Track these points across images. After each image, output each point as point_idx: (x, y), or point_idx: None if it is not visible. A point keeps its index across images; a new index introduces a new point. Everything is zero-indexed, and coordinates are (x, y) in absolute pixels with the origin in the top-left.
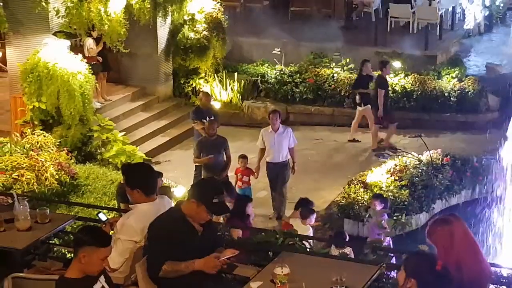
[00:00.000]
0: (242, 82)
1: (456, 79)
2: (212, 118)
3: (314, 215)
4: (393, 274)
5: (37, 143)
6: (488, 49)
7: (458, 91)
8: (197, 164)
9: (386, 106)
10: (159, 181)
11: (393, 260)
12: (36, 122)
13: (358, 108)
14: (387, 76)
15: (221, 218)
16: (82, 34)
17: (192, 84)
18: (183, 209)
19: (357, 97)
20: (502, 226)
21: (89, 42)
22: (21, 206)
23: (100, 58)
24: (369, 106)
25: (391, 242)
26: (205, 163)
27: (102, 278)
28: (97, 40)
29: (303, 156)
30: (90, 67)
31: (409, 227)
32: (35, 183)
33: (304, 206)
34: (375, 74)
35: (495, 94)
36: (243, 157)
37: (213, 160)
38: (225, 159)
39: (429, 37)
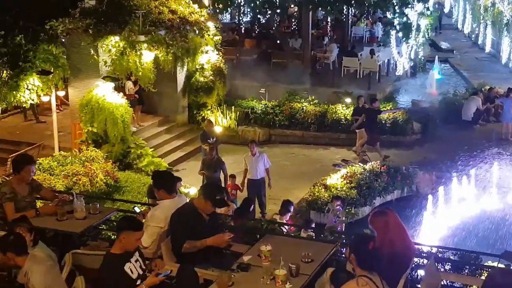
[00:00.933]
0: (237, 112)
1: (390, 111)
2: (215, 139)
3: (289, 214)
4: (342, 250)
5: (90, 156)
6: (413, 89)
7: (392, 119)
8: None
9: (374, 130)
10: (179, 184)
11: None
12: (89, 141)
13: (357, 130)
14: (376, 108)
15: (223, 210)
16: (123, 78)
17: (201, 114)
18: (195, 203)
19: (355, 123)
20: (423, 215)
21: (129, 84)
22: (79, 202)
23: (136, 95)
24: (363, 129)
25: (343, 228)
26: (206, 176)
27: (136, 253)
28: (134, 82)
29: (281, 166)
30: (129, 101)
31: (356, 216)
32: (88, 185)
33: (283, 207)
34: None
35: (418, 121)
36: (233, 176)
37: (203, 174)
38: (222, 175)
39: (371, 81)
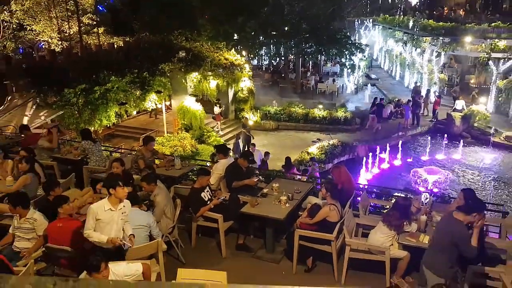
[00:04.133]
0: (260, 113)
1: (343, 112)
2: (248, 127)
3: (293, 169)
4: (318, 187)
5: (183, 136)
6: (356, 101)
7: (344, 117)
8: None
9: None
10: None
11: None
12: (182, 128)
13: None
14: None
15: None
16: (199, 95)
17: (242, 114)
18: (238, 161)
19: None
20: (361, 168)
21: (216, 108)
22: (177, 160)
23: (221, 115)
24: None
25: (318, 174)
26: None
27: (207, 187)
28: (219, 105)
29: (284, 142)
30: (215, 117)
31: (324, 169)
32: (182, 151)
33: (286, 162)
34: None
35: (358, 118)
36: (253, 145)
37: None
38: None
39: (333, 96)
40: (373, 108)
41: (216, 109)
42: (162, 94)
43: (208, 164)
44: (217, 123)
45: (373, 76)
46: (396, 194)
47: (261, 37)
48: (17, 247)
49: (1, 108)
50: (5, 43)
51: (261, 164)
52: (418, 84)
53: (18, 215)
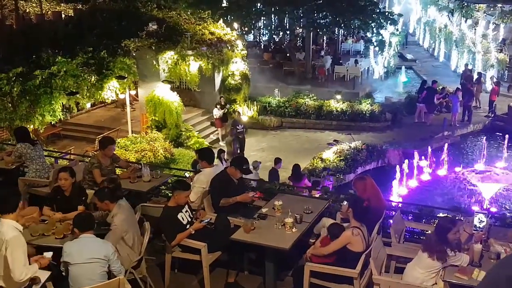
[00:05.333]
0: (258, 106)
1: (369, 104)
2: (243, 125)
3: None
4: (333, 204)
5: (154, 137)
6: (386, 89)
7: (370, 111)
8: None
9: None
10: (223, 154)
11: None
12: (153, 127)
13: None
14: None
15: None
16: (176, 82)
17: (232, 107)
18: (228, 171)
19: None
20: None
21: (215, 110)
22: (145, 169)
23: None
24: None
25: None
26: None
27: (186, 206)
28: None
29: (289, 144)
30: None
31: (344, 181)
32: (152, 157)
33: (294, 172)
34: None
35: (389, 112)
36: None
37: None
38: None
39: (355, 83)
40: (422, 94)
41: (217, 112)
42: (125, 80)
43: (187, 174)
44: (217, 131)
45: (408, 56)
46: (441, 214)
47: (258, 4)
48: None
49: None
50: None
51: (273, 175)
52: (470, 67)
53: None
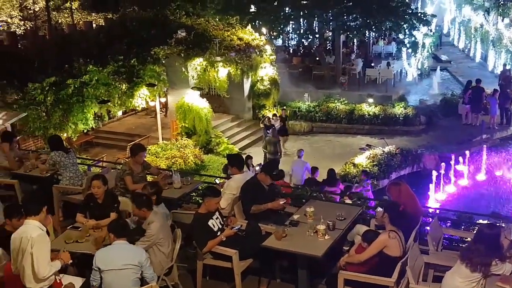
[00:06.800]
0: (288, 111)
1: (402, 108)
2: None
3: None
4: (370, 211)
5: (184, 144)
6: (419, 92)
7: (404, 114)
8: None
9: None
10: (250, 161)
11: (371, 203)
12: (183, 133)
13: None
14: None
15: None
16: (205, 88)
17: (262, 113)
18: (258, 177)
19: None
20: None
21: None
22: (176, 176)
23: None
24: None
25: (371, 194)
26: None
27: (217, 213)
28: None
29: (320, 150)
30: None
31: (378, 187)
32: (183, 164)
33: (328, 176)
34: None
35: (424, 115)
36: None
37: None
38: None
39: (387, 86)
40: (467, 94)
41: (277, 124)
42: (155, 88)
43: (217, 181)
44: (278, 140)
45: (443, 57)
46: (480, 221)
47: (287, 8)
48: None
49: None
50: None
51: (307, 183)
52: (508, 67)
53: None
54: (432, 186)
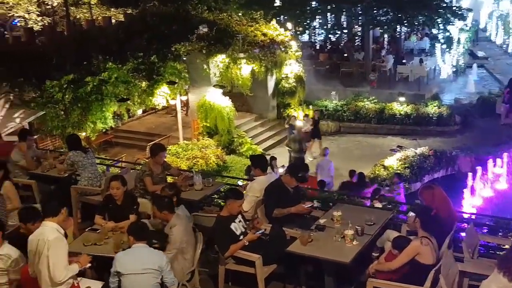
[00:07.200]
0: (314, 110)
1: (436, 107)
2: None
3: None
4: (401, 216)
5: (205, 144)
6: (455, 90)
7: (438, 114)
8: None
9: None
10: (274, 162)
11: (402, 208)
12: (204, 133)
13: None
14: None
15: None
16: (227, 86)
17: (286, 112)
18: (282, 179)
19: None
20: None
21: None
22: (197, 177)
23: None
24: None
25: (403, 197)
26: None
27: (239, 216)
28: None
29: (348, 151)
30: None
31: (409, 190)
32: (204, 165)
33: (358, 180)
34: None
35: (459, 115)
36: None
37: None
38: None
39: (420, 84)
40: (506, 92)
41: (301, 124)
42: (176, 85)
43: (240, 183)
44: (306, 146)
45: (480, 53)
46: None
47: (313, 2)
48: None
49: None
50: None
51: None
52: None
53: None
54: (467, 190)
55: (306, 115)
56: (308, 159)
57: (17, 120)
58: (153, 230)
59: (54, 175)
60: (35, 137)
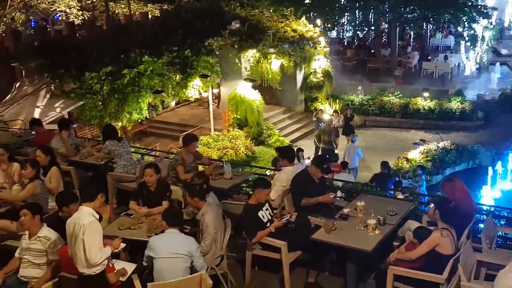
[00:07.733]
0: (340, 104)
1: (459, 102)
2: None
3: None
4: (422, 207)
5: (235, 135)
6: (478, 86)
7: (460, 109)
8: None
9: None
10: (301, 153)
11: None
12: (234, 125)
13: None
14: None
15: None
16: (257, 80)
17: (314, 105)
18: (309, 170)
19: None
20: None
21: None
22: (227, 167)
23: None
24: None
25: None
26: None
27: (266, 204)
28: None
29: (373, 144)
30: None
31: (431, 182)
32: (234, 155)
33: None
34: None
35: (481, 111)
36: None
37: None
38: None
39: (444, 80)
40: None
41: (328, 117)
42: (209, 79)
43: (268, 173)
44: (337, 140)
45: (503, 51)
46: None
47: (342, 0)
48: (24, 276)
49: (8, 97)
50: (13, 14)
51: (380, 182)
52: None
53: (26, 234)
54: (487, 184)
55: (336, 111)
56: (335, 151)
57: (57, 110)
58: (187, 219)
59: (92, 163)
60: (74, 126)
